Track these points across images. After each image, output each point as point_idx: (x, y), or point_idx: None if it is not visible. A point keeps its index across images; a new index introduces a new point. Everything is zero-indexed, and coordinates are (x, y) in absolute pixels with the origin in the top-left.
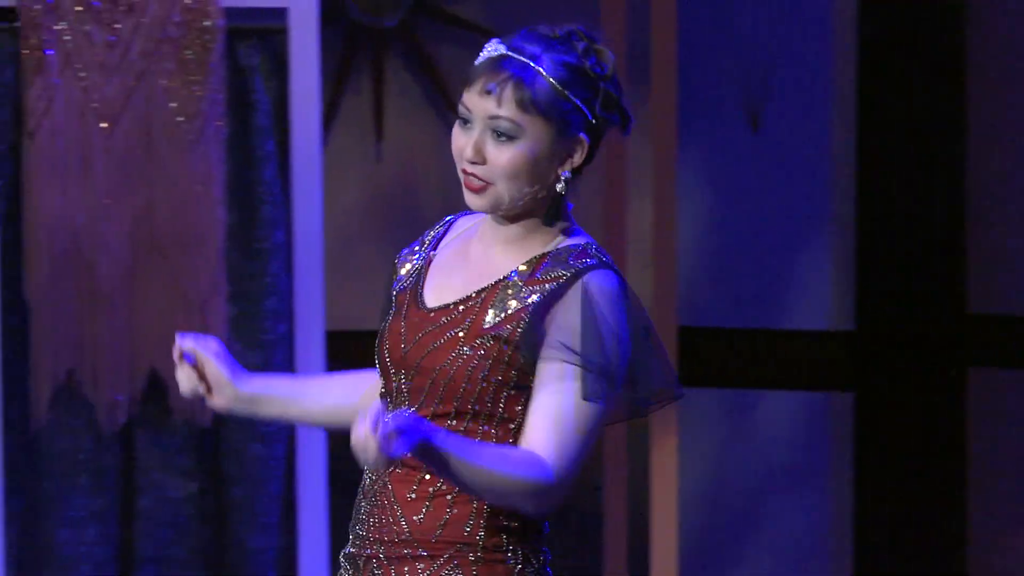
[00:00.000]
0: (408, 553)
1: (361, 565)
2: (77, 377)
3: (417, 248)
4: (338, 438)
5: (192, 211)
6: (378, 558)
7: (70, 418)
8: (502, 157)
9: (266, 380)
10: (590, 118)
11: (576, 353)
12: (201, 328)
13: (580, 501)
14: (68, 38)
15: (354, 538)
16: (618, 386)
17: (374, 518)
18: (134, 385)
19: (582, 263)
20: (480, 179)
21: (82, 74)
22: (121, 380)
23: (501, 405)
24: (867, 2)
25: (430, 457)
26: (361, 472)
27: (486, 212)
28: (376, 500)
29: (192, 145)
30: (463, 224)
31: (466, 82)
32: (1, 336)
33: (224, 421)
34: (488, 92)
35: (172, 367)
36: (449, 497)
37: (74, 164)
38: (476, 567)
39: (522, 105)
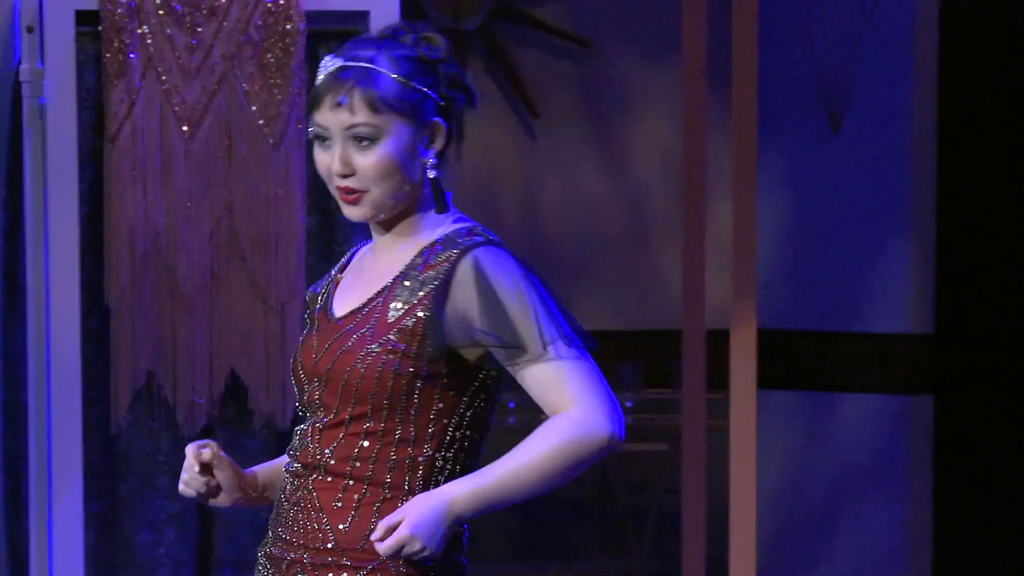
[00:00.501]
0: (333, 561)
1: (284, 568)
2: (157, 379)
3: (323, 282)
4: None
5: (272, 214)
6: (302, 563)
7: (150, 420)
8: (369, 161)
9: (255, 474)
10: (439, 101)
11: (502, 325)
12: (280, 331)
13: (658, 503)
14: (150, 41)
15: (275, 538)
16: (563, 326)
17: (299, 523)
18: (213, 388)
19: (469, 241)
20: (354, 189)
21: (164, 77)
22: (200, 383)
23: (416, 398)
24: (948, 2)
25: (465, 515)
26: None
27: (369, 220)
28: (301, 505)
29: (272, 148)
30: (363, 250)
31: (313, 104)
32: (82, 339)
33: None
34: (339, 104)
35: (252, 369)
36: (375, 506)
37: (155, 167)
38: None
39: (373, 107)
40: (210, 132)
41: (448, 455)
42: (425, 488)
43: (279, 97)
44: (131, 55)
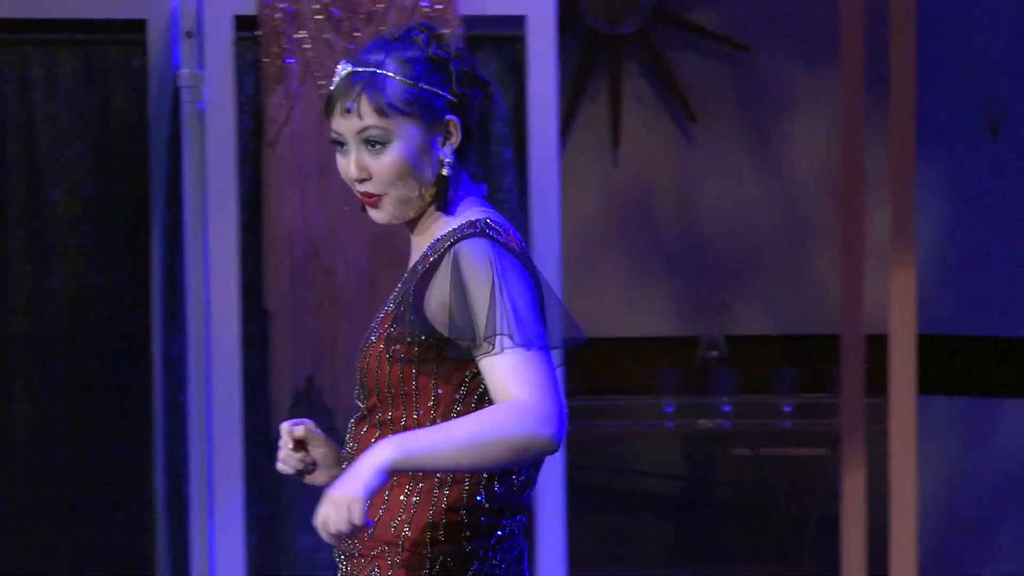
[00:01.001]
0: (379, 551)
1: (347, 559)
2: (316, 383)
3: None
4: (576, 448)
5: None
6: (354, 554)
7: None
8: (383, 164)
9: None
10: (451, 98)
11: (463, 324)
12: None
13: (818, 507)
14: (308, 47)
15: None
16: (524, 323)
17: None
18: None
19: (461, 233)
20: (373, 193)
21: (322, 82)
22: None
23: (413, 384)
24: None
25: (408, 468)
26: None
27: (393, 222)
28: None
29: None
30: None
31: (327, 111)
32: (242, 343)
33: None
34: (348, 111)
35: None
36: (385, 495)
37: (313, 172)
38: (393, 570)
39: (381, 110)
40: None
41: None
42: (430, 475)
43: None
44: (289, 60)
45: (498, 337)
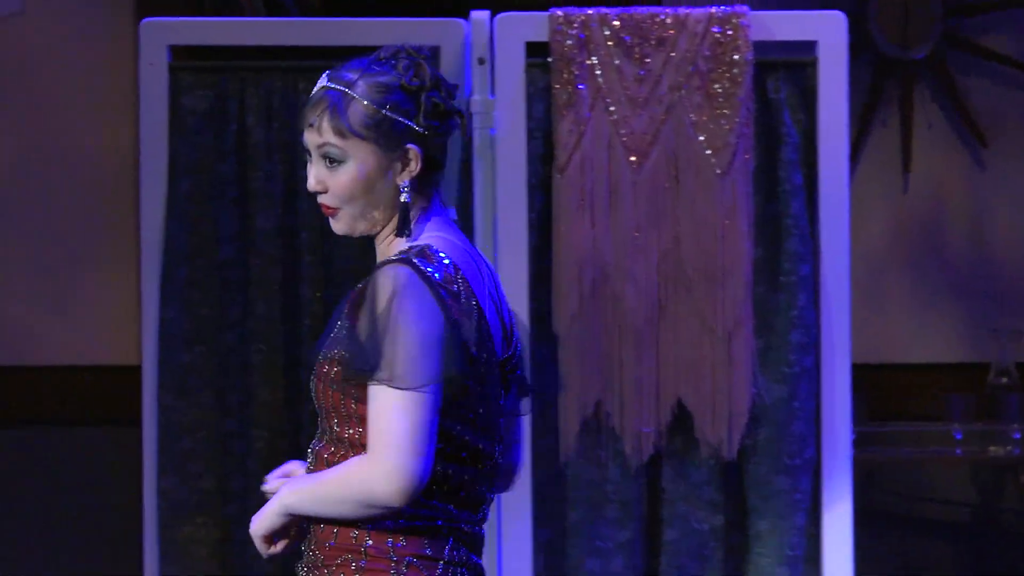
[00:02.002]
0: (319, 558)
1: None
2: (605, 409)
3: None
4: (866, 475)
5: (719, 244)
6: (309, 565)
7: (597, 449)
8: (337, 181)
9: None
10: (416, 128)
11: (353, 348)
12: (726, 360)
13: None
14: (599, 73)
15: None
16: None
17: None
18: (661, 417)
19: (387, 261)
20: (329, 206)
21: (612, 108)
22: (648, 412)
23: (353, 404)
24: None
25: (297, 513)
26: None
27: (348, 234)
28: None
29: (719, 178)
30: None
31: (299, 121)
32: (532, 368)
33: (749, 454)
34: (311, 125)
35: (699, 399)
36: None
37: (603, 198)
38: (359, 574)
39: (339, 131)
40: (657, 162)
41: None
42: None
43: (727, 127)
44: (580, 86)
45: (373, 369)
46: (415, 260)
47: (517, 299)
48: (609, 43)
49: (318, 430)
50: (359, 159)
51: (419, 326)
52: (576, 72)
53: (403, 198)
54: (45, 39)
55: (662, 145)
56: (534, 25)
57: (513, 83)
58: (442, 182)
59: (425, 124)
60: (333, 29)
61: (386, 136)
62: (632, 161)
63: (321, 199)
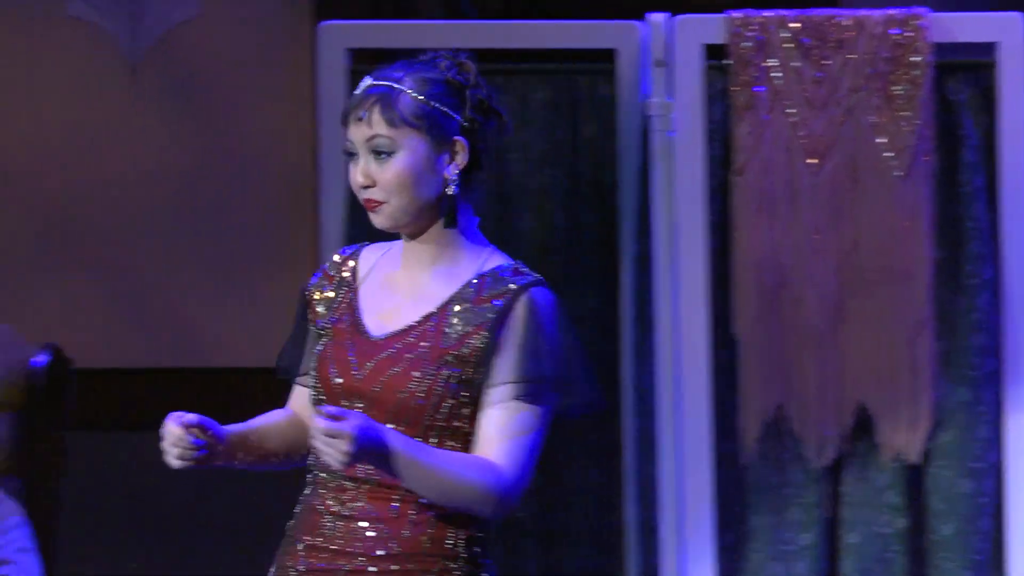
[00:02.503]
0: (398, 568)
1: None
2: (786, 412)
3: (326, 282)
4: None
5: (899, 246)
6: (364, 572)
7: (779, 452)
8: (387, 173)
9: (243, 432)
10: (462, 121)
11: (523, 366)
12: (908, 364)
13: None
14: (778, 75)
15: (317, 551)
16: (556, 393)
17: (355, 534)
18: (842, 420)
19: (522, 279)
20: (375, 200)
21: (790, 110)
22: (829, 415)
23: (464, 420)
24: None
25: (384, 457)
26: None
27: (390, 229)
28: (354, 517)
29: (900, 180)
30: (371, 255)
31: (343, 120)
32: (712, 371)
33: (932, 458)
34: (360, 119)
35: (881, 403)
36: (431, 513)
37: (783, 200)
38: None
39: (391, 121)
40: (837, 165)
41: None
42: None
43: (906, 129)
44: (758, 88)
45: (524, 385)
46: (540, 278)
47: (696, 303)
48: (787, 45)
49: None
50: (409, 149)
51: (577, 344)
52: (754, 74)
53: (450, 190)
54: (223, 43)
55: (841, 147)
56: (712, 27)
57: (691, 85)
58: (484, 189)
59: (470, 118)
60: (511, 32)
61: (435, 126)
62: (811, 163)
63: (367, 194)
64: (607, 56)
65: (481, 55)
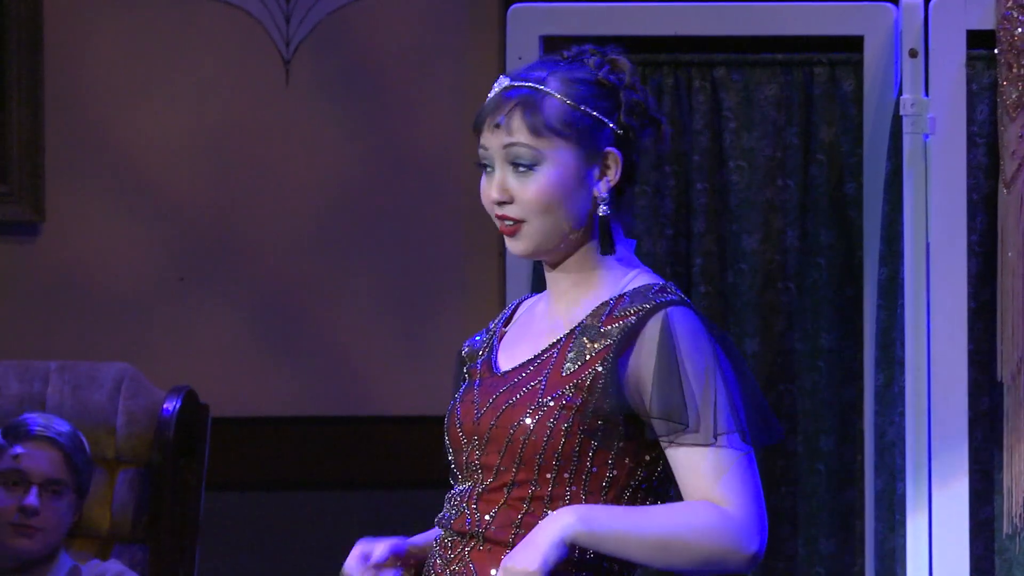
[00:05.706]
0: None
1: None
2: None
3: (482, 336)
4: None
5: None
6: None
7: None
8: (528, 189)
9: (418, 546)
10: (616, 129)
11: (665, 398)
12: None
13: None
14: None
15: None
16: (740, 417)
17: None
18: None
19: (662, 298)
20: (512, 219)
21: None
22: None
23: (588, 461)
24: None
25: (587, 545)
26: None
27: (531, 256)
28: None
29: None
30: (529, 302)
31: (476, 126)
32: (969, 421)
33: None
34: (498, 126)
35: None
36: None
37: None
38: None
39: (535, 129)
40: None
41: None
42: (596, 562)
43: None
44: None
45: (725, 436)
46: (687, 300)
47: (953, 336)
48: None
49: (480, 483)
50: (556, 162)
51: (742, 385)
52: None
53: (601, 211)
54: (398, 27)
55: None
56: (978, 10)
57: (951, 79)
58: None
59: (625, 125)
60: (735, 16)
61: (586, 136)
62: None
63: (502, 210)
64: (849, 45)
65: (695, 44)
